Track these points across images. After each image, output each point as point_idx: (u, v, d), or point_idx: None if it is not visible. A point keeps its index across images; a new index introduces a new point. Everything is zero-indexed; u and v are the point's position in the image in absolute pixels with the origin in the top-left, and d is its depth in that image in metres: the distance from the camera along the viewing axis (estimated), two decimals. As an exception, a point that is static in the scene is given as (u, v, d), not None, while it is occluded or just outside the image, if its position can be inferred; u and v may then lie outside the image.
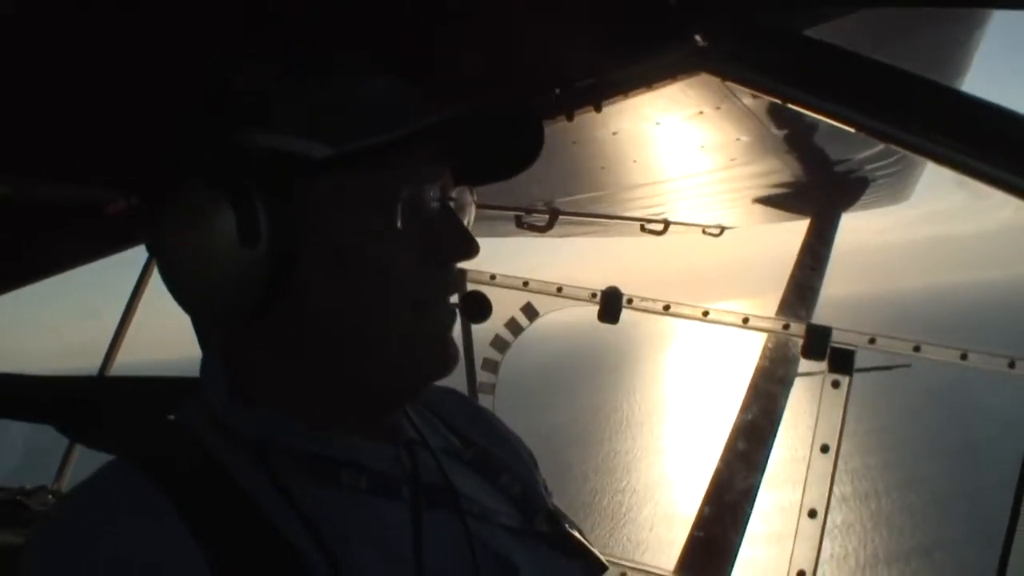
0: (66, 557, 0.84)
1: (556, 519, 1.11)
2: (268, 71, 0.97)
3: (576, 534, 1.11)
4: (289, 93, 0.95)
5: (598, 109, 1.54)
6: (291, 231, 0.91)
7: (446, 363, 1.01)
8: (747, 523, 3.13)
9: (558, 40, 1.39)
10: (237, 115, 0.95)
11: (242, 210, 0.90)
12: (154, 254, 0.98)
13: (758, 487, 3.19)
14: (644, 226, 4.05)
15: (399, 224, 0.93)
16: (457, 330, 1.05)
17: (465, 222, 1.03)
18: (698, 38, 1.35)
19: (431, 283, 0.97)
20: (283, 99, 0.94)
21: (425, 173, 0.97)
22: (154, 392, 1.89)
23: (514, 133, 1.03)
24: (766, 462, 3.22)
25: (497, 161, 1.06)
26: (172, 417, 1.02)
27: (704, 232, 4.63)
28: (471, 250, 1.00)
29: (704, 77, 1.45)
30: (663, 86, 1.51)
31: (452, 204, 1.00)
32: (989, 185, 1.21)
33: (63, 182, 1.61)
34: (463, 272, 2.85)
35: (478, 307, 1.13)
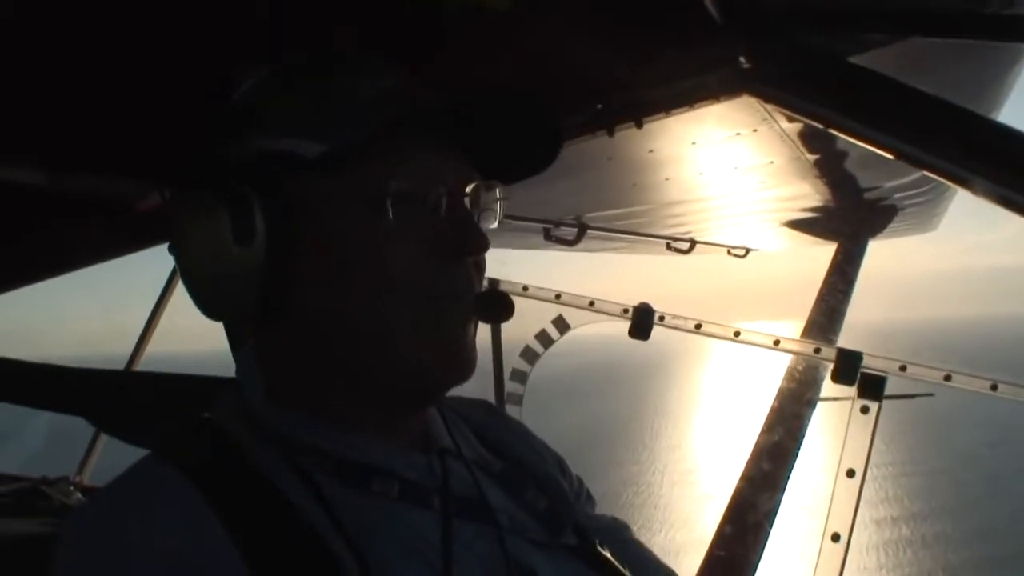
0: (95, 543, 0.84)
1: (584, 533, 1.10)
2: (264, 73, 0.98)
3: (603, 550, 1.09)
4: (283, 94, 0.96)
5: (639, 125, 1.55)
6: (287, 230, 0.92)
7: (460, 368, 0.98)
8: (767, 543, 3.11)
9: (603, 56, 1.40)
10: (231, 118, 0.97)
11: (236, 211, 0.91)
12: (172, 251, 1.00)
13: (778, 507, 3.17)
14: (670, 244, 4.04)
15: (391, 218, 0.91)
16: (487, 340, 1.04)
17: (491, 221, 1.01)
18: (743, 60, 1.37)
19: (439, 280, 0.94)
20: (276, 100, 0.96)
21: (421, 167, 0.94)
22: (186, 389, 1.91)
23: (517, 124, 1.00)
24: (787, 483, 3.21)
25: (508, 155, 1.02)
26: (206, 415, 1.02)
27: (729, 253, 4.62)
28: (477, 242, 0.96)
29: (745, 99, 1.46)
30: (704, 106, 1.52)
31: (467, 200, 0.97)
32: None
33: (91, 175, 1.64)
34: (495, 281, 2.84)
35: (494, 306, 1.01)
